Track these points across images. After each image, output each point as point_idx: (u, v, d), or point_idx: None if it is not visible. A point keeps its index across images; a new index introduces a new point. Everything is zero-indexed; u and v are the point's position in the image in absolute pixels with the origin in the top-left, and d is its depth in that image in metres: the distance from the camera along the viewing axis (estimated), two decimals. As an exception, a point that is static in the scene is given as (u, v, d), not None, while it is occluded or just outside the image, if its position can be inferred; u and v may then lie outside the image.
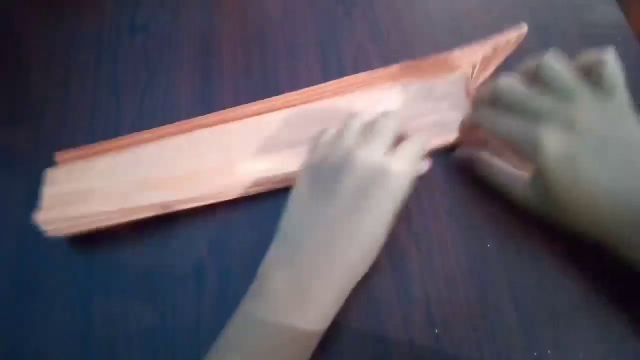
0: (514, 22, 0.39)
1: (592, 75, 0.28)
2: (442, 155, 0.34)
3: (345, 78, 0.37)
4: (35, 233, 0.33)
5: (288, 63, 0.39)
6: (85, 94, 0.38)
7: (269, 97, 0.37)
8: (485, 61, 0.36)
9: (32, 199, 0.35)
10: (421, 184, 0.33)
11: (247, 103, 0.37)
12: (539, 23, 0.39)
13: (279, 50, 0.40)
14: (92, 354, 0.30)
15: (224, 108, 0.37)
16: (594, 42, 0.38)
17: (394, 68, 0.37)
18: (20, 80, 0.39)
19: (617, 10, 0.40)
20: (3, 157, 0.37)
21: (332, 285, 0.27)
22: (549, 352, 0.28)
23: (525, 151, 0.28)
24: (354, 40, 0.40)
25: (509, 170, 0.31)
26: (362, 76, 0.37)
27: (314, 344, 0.28)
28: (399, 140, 0.30)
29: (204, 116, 0.36)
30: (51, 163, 0.35)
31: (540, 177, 0.28)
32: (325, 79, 0.38)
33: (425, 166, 0.32)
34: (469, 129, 0.33)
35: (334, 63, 0.39)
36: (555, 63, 0.29)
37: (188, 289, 0.31)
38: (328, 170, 0.29)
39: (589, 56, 0.29)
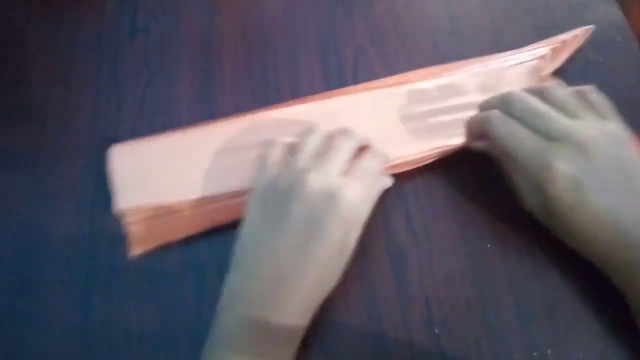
0: (513, 23, 0.39)
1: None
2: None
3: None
4: (35, 233, 0.34)
5: (288, 63, 0.39)
6: (86, 94, 0.38)
7: (269, 97, 0.37)
8: (555, 52, 0.37)
9: (32, 199, 0.35)
10: (421, 183, 0.34)
11: (247, 103, 0.37)
12: (538, 24, 0.39)
13: (279, 51, 0.40)
14: (93, 354, 0.30)
15: (224, 108, 0.37)
16: (593, 42, 0.38)
17: (467, 61, 0.38)
18: (20, 81, 0.39)
19: (617, 10, 0.40)
20: (4, 157, 0.37)
21: (290, 317, 0.26)
22: (548, 351, 0.29)
23: (534, 169, 0.27)
24: (354, 41, 0.40)
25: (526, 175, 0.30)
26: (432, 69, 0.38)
27: None
28: (359, 152, 0.30)
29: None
30: (51, 163, 0.35)
31: (542, 193, 0.28)
32: (325, 79, 0.38)
33: (388, 182, 0.31)
34: (475, 134, 0.32)
35: (333, 64, 0.39)
36: (558, 86, 0.30)
37: (188, 289, 0.32)
38: (278, 195, 0.28)
39: (573, 88, 0.30)
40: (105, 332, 0.31)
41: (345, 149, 0.29)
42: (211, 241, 0.33)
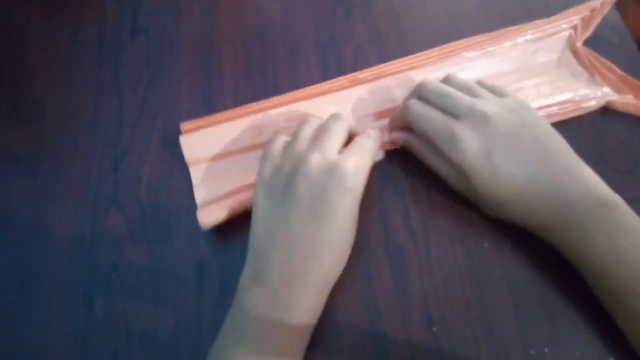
0: (511, 23, 0.39)
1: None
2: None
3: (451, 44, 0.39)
4: (36, 233, 0.34)
5: (288, 64, 0.39)
6: (87, 95, 0.39)
7: (269, 97, 0.37)
8: (585, 21, 0.38)
9: (34, 198, 0.35)
10: (419, 183, 0.34)
11: (246, 103, 0.37)
12: None
13: (279, 51, 0.40)
14: (93, 353, 0.30)
15: (224, 108, 0.37)
16: (591, 43, 0.38)
17: (498, 32, 0.39)
18: (22, 81, 0.39)
19: (615, 12, 0.40)
20: (5, 157, 0.37)
21: (307, 293, 0.27)
22: (546, 349, 0.29)
23: (446, 145, 0.30)
24: (353, 41, 0.40)
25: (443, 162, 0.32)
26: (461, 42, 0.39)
27: (299, 350, 0.28)
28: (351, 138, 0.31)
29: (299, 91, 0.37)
30: (52, 163, 0.36)
31: (460, 170, 0.30)
32: (325, 79, 0.38)
33: (380, 155, 0.33)
34: (399, 126, 0.35)
35: (333, 64, 0.39)
36: (461, 78, 0.33)
37: (189, 287, 0.32)
38: (283, 179, 0.29)
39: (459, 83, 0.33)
40: (107, 331, 0.31)
41: (338, 128, 0.31)
42: (212, 241, 0.33)
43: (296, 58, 0.39)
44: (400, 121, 0.34)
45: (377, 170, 0.34)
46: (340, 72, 0.38)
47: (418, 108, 0.32)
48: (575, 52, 0.37)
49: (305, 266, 0.27)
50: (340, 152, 0.30)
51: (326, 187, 0.28)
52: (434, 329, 0.30)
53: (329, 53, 0.39)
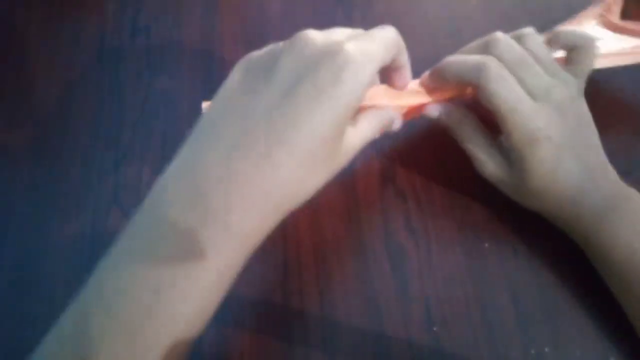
0: (512, 24, 0.39)
1: (567, 55, 0.29)
2: (439, 154, 0.34)
3: None
4: (36, 233, 0.33)
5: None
6: (88, 95, 0.39)
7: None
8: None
9: (34, 198, 0.35)
10: (420, 183, 0.34)
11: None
12: (537, 25, 0.39)
13: (279, 51, 0.40)
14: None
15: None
16: (591, 44, 0.38)
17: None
18: (22, 81, 0.39)
19: (615, 13, 0.40)
20: (5, 157, 0.37)
21: (248, 207, 0.20)
22: (546, 349, 0.29)
23: (522, 130, 0.27)
24: (354, 41, 0.40)
25: (484, 142, 0.30)
26: None
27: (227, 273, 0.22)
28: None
29: None
30: (53, 164, 0.35)
31: (519, 159, 0.28)
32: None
33: (398, 124, 0.28)
34: (460, 82, 0.29)
35: (333, 64, 0.39)
36: (538, 39, 0.29)
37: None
38: (269, 55, 0.23)
39: (573, 37, 0.29)
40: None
41: (347, 30, 0.24)
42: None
43: (296, 58, 0.39)
44: (466, 80, 0.28)
45: (377, 170, 0.34)
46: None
47: (503, 79, 0.26)
48: (617, 28, 0.36)
49: (253, 169, 0.20)
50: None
51: (316, 67, 0.21)
52: (435, 329, 0.30)
53: (329, 53, 0.39)
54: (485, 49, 0.28)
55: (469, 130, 0.30)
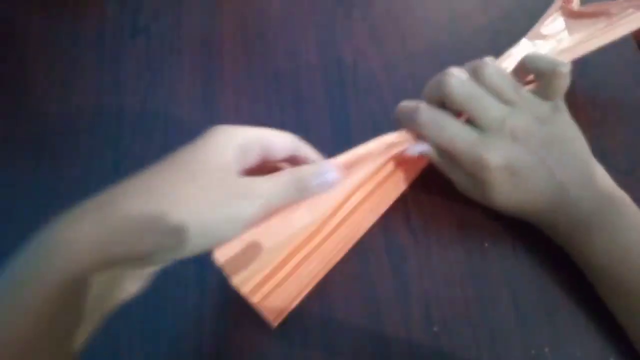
0: (511, 23, 0.39)
1: (536, 80, 0.30)
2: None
3: None
4: (36, 232, 0.34)
5: (288, 64, 0.39)
6: (87, 95, 0.39)
7: (269, 97, 0.37)
8: None
9: (34, 199, 0.35)
10: (420, 183, 0.34)
11: (247, 103, 0.37)
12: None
13: (279, 52, 0.40)
14: (94, 353, 0.30)
15: (225, 108, 0.37)
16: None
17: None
18: (22, 81, 0.39)
19: (614, 11, 0.40)
20: (5, 157, 0.37)
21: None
22: (546, 349, 0.29)
23: (469, 163, 0.28)
24: (353, 41, 0.40)
25: (459, 168, 0.30)
26: None
27: None
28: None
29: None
30: (53, 164, 0.35)
31: (481, 184, 0.29)
32: (325, 78, 0.38)
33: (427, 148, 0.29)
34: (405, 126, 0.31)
35: (333, 64, 0.39)
36: (497, 68, 0.29)
37: (189, 289, 0.32)
38: None
39: (542, 64, 0.29)
40: (107, 332, 0.30)
41: None
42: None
43: (296, 58, 0.39)
44: (407, 124, 0.30)
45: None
46: (341, 72, 0.38)
47: (430, 120, 0.28)
48: (577, 15, 0.36)
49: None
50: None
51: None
52: (435, 329, 0.30)
53: (329, 51, 0.39)
54: (438, 85, 0.29)
55: (444, 160, 0.30)
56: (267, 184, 0.24)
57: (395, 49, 0.39)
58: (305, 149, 0.27)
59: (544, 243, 0.31)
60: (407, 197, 0.33)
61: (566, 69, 0.28)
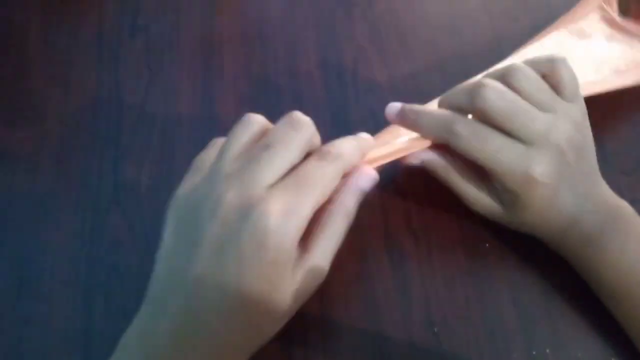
0: (513, 22, 0.39)
1: (549, 83, 0.28)
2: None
3: None
4: (35, 234, 0.33)
5: (288, 63, 0.39)
6: (87, 94, 0.38)
7: (269, 96, 0.37)
8: None
9: (33, 198, 0.35)
10: (420, 182, 0.34)
11: (247, 103, 0.37)
12: (538, 24, 0.39)
13: (279, 51, 0.40)
14: (93, 354, 0.30)
15: (225, 108, 0.37)
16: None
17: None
18: (21, 81, 0.39)
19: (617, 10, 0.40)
20: (4, 157, 0.37)
21: None
22: (547, 350, 0.29)
23: (513, 178, 0.26)
24: (354, 40, 0.40)
25: (472, 183, 0.29)
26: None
27: None
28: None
29: None
30: (52, 164, 0.35)
31: (517, 198, 0.27)
32: (324, 79, 0.38)
33: (370, 180, 0.25)
34: (434, 139, 0.28)
35: (333, 64, 0.39)
36: (529, 72, 0.27)
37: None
38: (193, 207, 0.22)
39: (540, 63, 0.28)
40: (107, 332, 0.30)
41: (287, 143, 0.22)
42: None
43: (296, 57, 0.39)
44: (437, 137, 0.28)
45: (377, 169, 0.34)
46: (341, 71, 0.38)
47: (475, 136, 0.26)
48: (618, 27, 0.36)
49: (197, 332, 0.21)
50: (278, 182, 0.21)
51: (237, 233, 0.20)
52: (435, 330, 0.29)
53: (329, 52, 0.39)
54: (472, 97, 0.26)
55: (454, 174, 0.29)
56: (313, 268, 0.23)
57: (396, 48, 0.39)
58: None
59: (546, 244, 0.31)
60: (407, 197, 0.33)
61: (562, 58, 0.27)
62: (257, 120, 0.24)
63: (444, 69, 0.38)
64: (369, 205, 0.32)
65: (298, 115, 0.23)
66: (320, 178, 0.22)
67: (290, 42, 0.40)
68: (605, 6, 0.37)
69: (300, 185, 0.21)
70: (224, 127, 0.25)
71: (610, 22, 0.36)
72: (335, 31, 0.40)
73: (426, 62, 0.39)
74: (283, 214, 0.20)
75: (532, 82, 0.27)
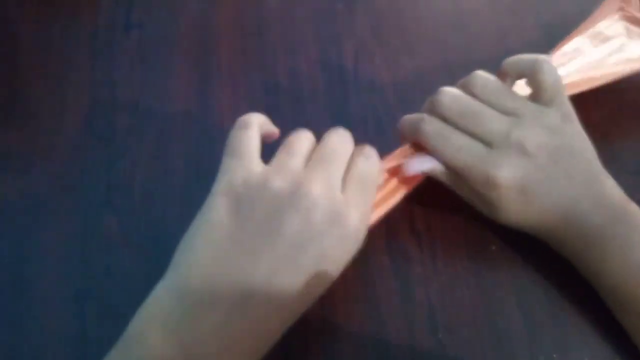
0: (518, 19, 0.38)
1: (529, 85, 0.28)
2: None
3: None
4: (29, 234, 0.33)
5: (287, 59, 0.39)
6: (81, 92, 0.38)
7: (267, 93, 0.37)
8: None
9: (26, 199, 0.34)
10: (425, 184, 0.33)
11: (244, 99, 0.37)
12: (543, 21, 0.39)
13: (278, 46, 0.39)
14: (90, 355, 0.29)
15: (221, 105, 0.36)
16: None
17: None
18: (15, 78, 0.39)
19: (623, 6, 0.39)
20: (-2, 156, 0.36)
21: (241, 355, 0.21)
22: (554, 355, 0.28)
23: (476, 180, 0.27)
24: (355, 35, 0.40)
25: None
26: None
27: None
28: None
29: None
30: (46, 162, 0.35)
31: (489, 203, 0.28)
32: (325, 75, 0.37)
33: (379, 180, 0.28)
34: (409, 139, 0.30)
35: (334, 58, 0.38)
36: (487, 80, 0.28)
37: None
38: (268, 200, 0.22)
39: (520, 65, 0.28)
40: (100, 335, 0.30)
41: (343, 152, 0.25)
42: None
43: (296, 53, 0.39)
44: (411, 138, 0.29)
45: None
46: (342, 67, 0.38)
47: (438, 134, 0.27)
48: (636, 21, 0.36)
49: (248, 333, 0.21)
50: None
51: (324, 235, 0.22)
52: (439, 336, 0.29)
53: (330, 48, 0.39)
54: (432, 104, 0.28)
55: (453, 179, 0.29)
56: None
57: (397, 43, 0.39)
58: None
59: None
60: (411, 199, 0.33)
61: (546, 60, 0.27)
62: (309, 134, 0.27)
63: (448, 65, 0.38)
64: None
65: (341, 129, 0.27)
66: (374, 175, 0.26)
67: (289, 37, 0.40)
68: (624, 5, 0.36)
69: (367, 188, 0.25)
70: (220, 125, 0.25)
71: (631, 20, 0.36)
72: (336, 26, 0.40)
73: (429, 58, 0.38)
74: (360, 221, 0.24)
75: (491, 89, 0.28)
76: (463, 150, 0.27)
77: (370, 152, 0.26)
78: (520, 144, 0.26)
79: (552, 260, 0.30)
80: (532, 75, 0.28)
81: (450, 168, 0.28)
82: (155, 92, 0.38)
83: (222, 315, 0.21)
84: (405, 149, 0.30)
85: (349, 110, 0.37)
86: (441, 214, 0.32)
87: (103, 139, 0.36)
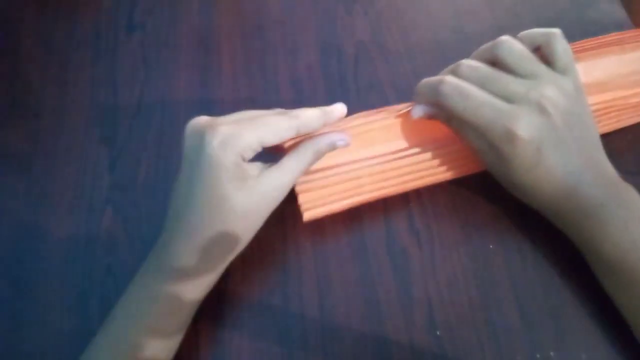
0: (516, 19, 0.38)
1: (542, 55, 0.29)
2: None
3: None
4: (31, 233, 0.33)
5: (287, 61, 0.39)
6: (83, 92, 0.38)
7: (268, 94, 0.37)
8: None
9: (28, 198, 0.34)
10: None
11: (245, 100, 0.36)
12: (541, 21, 0.39)
13: (278, 48, 0.39)
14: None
15: (222, 106, 0.36)
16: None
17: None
18: (17, 79, 0.39)
19: (620, 8, 0.40)
20: (1, 155, 0.36)
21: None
22: (551, 353, 0.28)
23: (494, 135, 0.27)
24: (355, 38, 0.39)
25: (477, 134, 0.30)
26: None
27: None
28: None
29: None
30: (48, 162, 0.35)
31: (501, 156, 0.28)
32: (325, 76, 0.37)
33: (344, 140, 0.30)
34: (427, 101, 0.30)
35: (334, 60, 0.38)
36: (513, 44, 0.29)
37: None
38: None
39: (535, 36, 0.29)
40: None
41: (269, 121, 0.27)
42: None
43: (296, 54, 0.39)
44: (429, 99, 0.30)
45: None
46: (342, 68, 0.38)
47: (458, 90, 0.28)
48: None
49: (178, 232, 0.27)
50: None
51: (194, 152, 0.26)
52: (438, 333, 0.29)
53: (329, 49, 0.39)
54: (453, 73, 0.29)
55: (458, 124, 0.30)
56: (283, 179, 0.27)
57: (396, 44, 0.39)
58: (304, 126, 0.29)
59: (551, 245, 0.31)
60: (409, 198, 0.33)
61: (558, 32, 0.29)
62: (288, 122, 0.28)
63: (447, 65, 0.38)
64: (370, 205, 0.32)
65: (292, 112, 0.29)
66: (269, 122, 0.27)
67: (289, 38, 0.40)
68: None
69: (246, 122, 0.27)
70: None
71: None
72: (336, 26, 0.40)
73: (428, 58, 0.38)
74: (224, 137, 0.26)
75: (513, 53, 0.28)
76: (484, 106, 0.27)
77: (291, 113, 0.28)
78: (538, 101, 0.27)
79: (549, 258, 0.30)
80: (546, 44, 0.29)
81: (470, 125, 0.28)
82: (156, 92, 0.38)
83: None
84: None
85: (349, 108, 0.36)
86: (440, 212, 0.32)
87: (104, 139, 0.36)
